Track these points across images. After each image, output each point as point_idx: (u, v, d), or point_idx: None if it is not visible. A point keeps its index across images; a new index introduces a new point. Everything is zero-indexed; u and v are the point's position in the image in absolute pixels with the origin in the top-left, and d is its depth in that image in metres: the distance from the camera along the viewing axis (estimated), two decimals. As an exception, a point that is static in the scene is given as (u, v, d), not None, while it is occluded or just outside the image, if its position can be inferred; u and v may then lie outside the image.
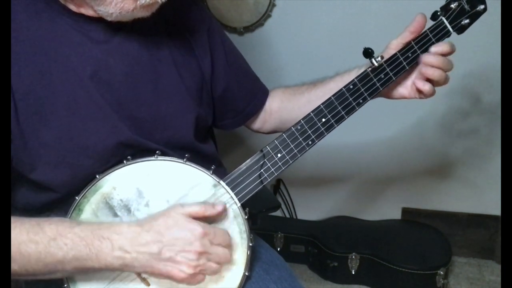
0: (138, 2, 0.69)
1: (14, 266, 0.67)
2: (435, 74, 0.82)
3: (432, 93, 0.84)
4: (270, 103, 1.01)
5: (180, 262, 0.69)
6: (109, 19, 0.73)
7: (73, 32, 0.74)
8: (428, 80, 0.83)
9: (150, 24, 0.77)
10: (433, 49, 0.82)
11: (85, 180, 0.75)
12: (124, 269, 0.71)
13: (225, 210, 0.77)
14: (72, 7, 0.74)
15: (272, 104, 1.01)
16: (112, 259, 0.68)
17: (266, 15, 1.72)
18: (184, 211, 0.72)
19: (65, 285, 0.75)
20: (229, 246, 0.75)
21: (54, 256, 0.67)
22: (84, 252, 0.67)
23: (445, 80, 0.83)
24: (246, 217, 0.79)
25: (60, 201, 0.77)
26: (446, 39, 0.85)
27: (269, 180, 0.80)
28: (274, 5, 1.72)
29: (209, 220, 0.75)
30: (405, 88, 0.88)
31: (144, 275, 0.76)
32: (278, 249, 1.88)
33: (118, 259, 0.68)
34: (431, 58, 0.82)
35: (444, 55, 0.82)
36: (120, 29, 0.77)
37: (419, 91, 0.85)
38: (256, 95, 1.00)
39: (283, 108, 1.00)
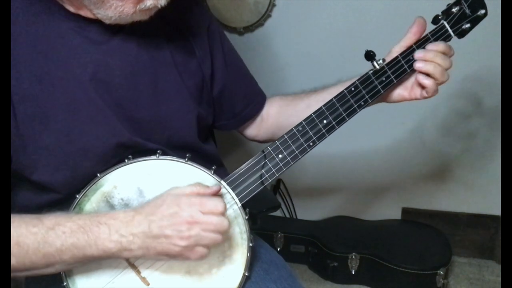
0: (138, 7, 0.69)
1: (12, 260, 0.66)
2: (427, 67, 0.81)
3: (435, 89, 0.82)
4: (267, 109, 1.00)
5: (171, 236, 0.69)
6: (107, 22, 0.72)
7: (72, 33, 0.73)
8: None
9: (150, 24, 0.76)
10: (429, 46, 0.82)
11: (86, 180, 0.75)
12: (124, 254, 0.70)
13: (219, 192, 0.76)
14: (71, 9, 0.73)
15: (270, 110, 1.00)
16: (110, 243, 0.68)
17: (266, 15, 1.72)
18: (177, 192, 0.72)
19: (64, 283, 0.75)
20: (222, 213, 0.72)
21: (52, 245, 0.67)
22: (83, 238, 0.67)
23: (441, 75, 0.81)
24: (246, 217, 0.79)
25: (61, 201, 0.77)
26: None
27: (270, 180, 0.81)
28: (274, 5, 1.72)
29: None
30: (405, 90, 0.87)
31: (143, 274, 0.76)
32: (278, 249, 1.89)
33: (116, 243, 0.68)
34: (422, 53, 0.81)
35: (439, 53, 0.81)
36: (119, 30, 0.76)
37: (422, 87, 0.83)
38: (254, 98, 0.99)
39: (281, 113, 0.98)
